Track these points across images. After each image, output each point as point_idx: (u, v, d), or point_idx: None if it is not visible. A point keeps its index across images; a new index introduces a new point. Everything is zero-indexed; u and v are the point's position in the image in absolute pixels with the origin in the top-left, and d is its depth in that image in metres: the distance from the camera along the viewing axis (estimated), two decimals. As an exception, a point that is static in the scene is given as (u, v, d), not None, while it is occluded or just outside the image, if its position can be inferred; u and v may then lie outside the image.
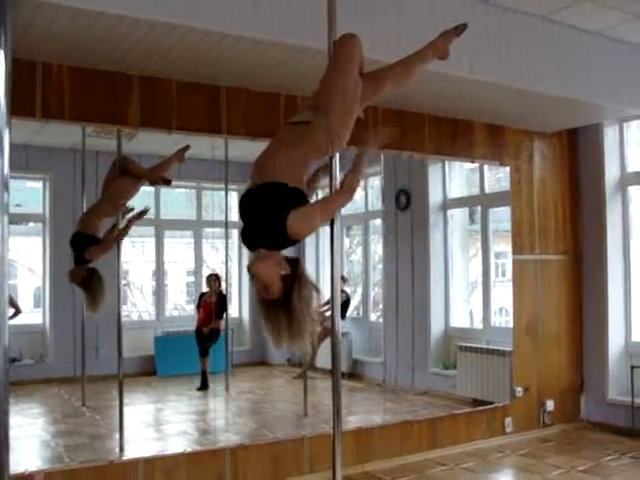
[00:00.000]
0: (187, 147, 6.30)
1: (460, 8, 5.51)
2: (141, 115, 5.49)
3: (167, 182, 6.46)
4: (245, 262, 7.94)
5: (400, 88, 3.60)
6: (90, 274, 5.90)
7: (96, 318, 6.03)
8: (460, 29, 3.74)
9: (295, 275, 2.99)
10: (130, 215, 6.21)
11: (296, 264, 3.02)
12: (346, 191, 3.15)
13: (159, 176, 6.37)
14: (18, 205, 6.66)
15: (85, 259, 5.85)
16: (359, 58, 3.33)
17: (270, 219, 2.93)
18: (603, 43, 6.49)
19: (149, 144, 6.36)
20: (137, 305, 7.54)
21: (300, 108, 3.51)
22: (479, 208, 8.28)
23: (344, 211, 3.65)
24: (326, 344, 6.89)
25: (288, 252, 3.08)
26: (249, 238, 3.06)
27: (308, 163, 3.14)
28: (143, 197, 7.23)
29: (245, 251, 7.96)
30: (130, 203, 6.25)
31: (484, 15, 5.68)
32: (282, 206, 2.92)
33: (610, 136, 7.90)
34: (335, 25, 3.48)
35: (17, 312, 6.24)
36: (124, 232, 6.05)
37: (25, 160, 5.95)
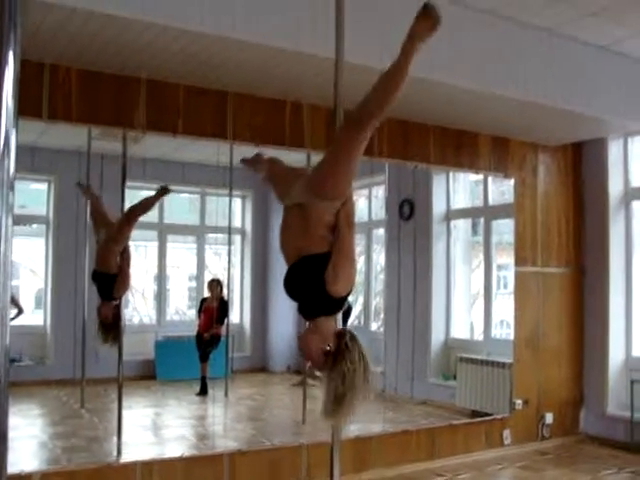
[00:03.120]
0: (168, 190, 6.52)
1: (467, 20, 5.53)
2: (147, 118, 5.50)
3: (166, 190, 6.54)
4: (248, 268, 8.01)
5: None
6: (117, 309, 5.99)
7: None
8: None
9: (338, 350, 2.97)
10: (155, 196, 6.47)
11: (342, 338, 2.99)
12: (349, 224, 3.12)
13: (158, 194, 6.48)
14: (22, 206, 6.69)
15: (114, 297, 5.96)
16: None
17: (311, 291, 3.00)
18: (609, 57, 6.50)
19: (154, 148, 6.39)
20: (138, 309, 7.55)
21: (290, 178, 3.47)
22: (482, 220, 8.29)
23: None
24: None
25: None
26: (305, 311, 3.10)
27: (323, 227, 3.09)
28: (147, 201, 7.25)
29: (248, 257, 7.99)
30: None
31: (490, 27, 5.70)
32: (315, 275, 2.97)
33: (614, 150, 7.90)
34: (343, 33, 3.49)
35: (20, 312, 6.27)
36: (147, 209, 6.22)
37: (30, 161, 5.97)
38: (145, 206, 6.42)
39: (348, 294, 3.10)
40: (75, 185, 6.42)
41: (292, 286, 3.13)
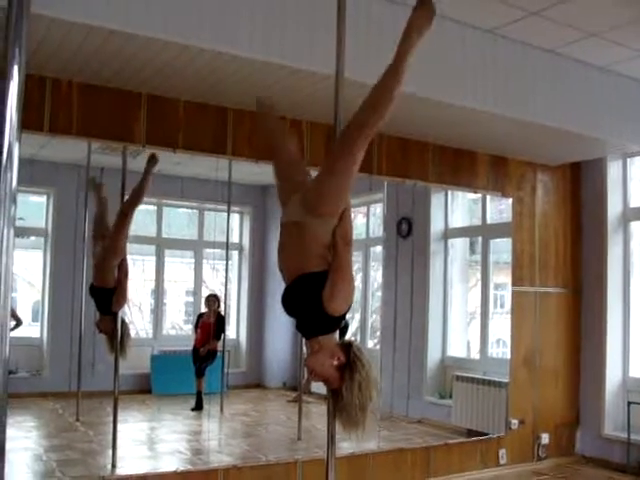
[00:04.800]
0: (155, 159, 6.12)
1: (469, 39, 5.57)
2: (147, 133, 5.52)
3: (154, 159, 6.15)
4: (245, 284, 8.00)
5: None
6: (116, 322, 5.96)
7: (97, 336, 6.05)
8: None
9: (349, 361, 2.99)
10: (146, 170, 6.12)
11: (349, 349, 3.02)
12: (346, 242, 3.11)
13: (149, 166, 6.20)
14: (21, 219, 6.65)
15: (113, 311, 5.94)
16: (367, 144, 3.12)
17: (309, 310, 3.01)
18: (609, 78, 6.53)
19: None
20: (135, 323, 7.53)
21: (295, 177, 3.47)
22: (480, 239, 8.30)
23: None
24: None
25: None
26: (303, 330, 3.11)
27: (320, 245, 3.09)
28: (145, 216, 7.27)
29: (245, 273, 7.98)
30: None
31: (492, 46, 5.73)
32: (313, 294, 2.98)
33: (613, 171, 7.92)
34: (343, 49, 3.51)
35: (18, 324, 6.27)
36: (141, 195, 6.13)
37: (30, 174, 5.97)
38: (137, 193, 6.20)
39: (346, 312, 3.10)
40: (89, 181, 6.37)
41: (290, 305, 3.14)
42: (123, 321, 6.01)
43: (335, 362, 2.99)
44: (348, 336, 8.42)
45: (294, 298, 3.10)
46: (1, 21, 2.01)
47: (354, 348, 3.02)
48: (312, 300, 2.98)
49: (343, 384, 2.98)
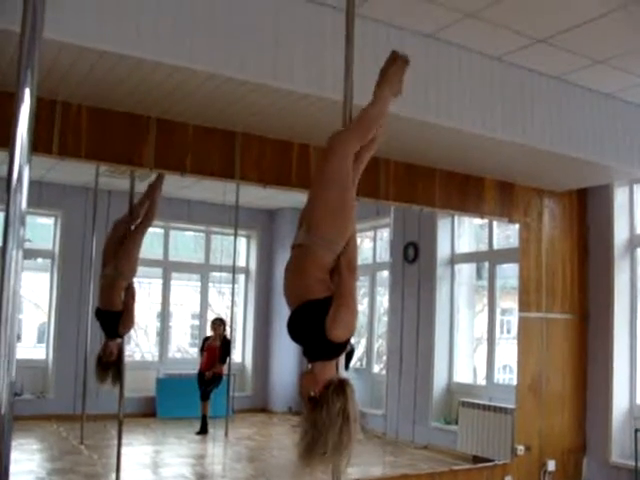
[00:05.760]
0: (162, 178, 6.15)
1: (476, 66, 5.60)
2: (156, 157, 5.54)
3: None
4: (251, 308, 8.00)
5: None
6: (121, 346, 5.95)
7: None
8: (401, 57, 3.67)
9: (320, 398, 2.98)
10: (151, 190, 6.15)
11: (327, 388, 2.99)
12: (351, 268, 3.13)
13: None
14: (28, 240, 6.69)
15: (120, 334, 5.92)
16: (351, 154, 3.32)
17: (312, 336, 3.03)
18: (615, 105, 6.56)
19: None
20: (140, 345, 7.52)
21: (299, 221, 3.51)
22: (487, 264, 8.29)
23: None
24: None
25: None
26: (308, 354, 3.12)
27: (323, 270, 3.12)
28: (152, 239, 7.28)
29: (251, 297, 7.98)
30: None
31: (499, 73, 5.76)
32: (316, 321, 3.00)
33: (620, 197, 7.93)
34: (352, 75, 3.54)
35: None
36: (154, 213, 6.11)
37: (37, 196, 6.00)
38: (149, 214, 6.25)
39: (348, 339, 3.10)
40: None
41: (294, 331, 3.15)
42: (122, 346, 5.99)
43: (310, 392, 2.99)
44: (354, 361, 8.42)
45: (298, 324, 3.12)
46: (14, 45, 2.03)
47: (330, 391, 2.97)
48: (315, 327, 2.99)
49: (304, 414, 3.00)
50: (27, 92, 1.90)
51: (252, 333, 8.03)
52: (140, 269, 6.38)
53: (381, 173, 6.51)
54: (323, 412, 2.93)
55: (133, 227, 6.10)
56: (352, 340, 8.56)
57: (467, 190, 7.26)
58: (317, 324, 2.98)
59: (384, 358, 8.57)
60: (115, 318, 5.91)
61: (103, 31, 4.09)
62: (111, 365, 5.89)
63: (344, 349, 3.12)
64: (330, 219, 3.14)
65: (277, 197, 6.96)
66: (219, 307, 7.92)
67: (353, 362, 8.51)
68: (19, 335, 6.33)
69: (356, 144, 3.33)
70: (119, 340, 6.00)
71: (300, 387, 3.07)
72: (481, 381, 8.25)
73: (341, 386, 3.01)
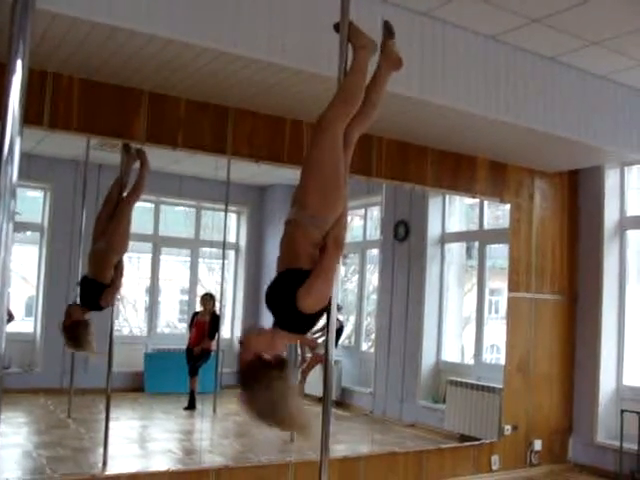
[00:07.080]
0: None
1: (470, 45, 5.57)
2: (147, 130, 5.51)
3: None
4: (241, 284, 7.98)
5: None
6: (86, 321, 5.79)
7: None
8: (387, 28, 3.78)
9: (266, 371, 2.93)
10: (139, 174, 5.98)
11: (276, 364, 2.95)
12: (337, 246, 3.12)
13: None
14: (17, 213, 6.65)
15: (98, 307, 5.82)
16: (340, 134, 3.30)
17: (283, 303, 3.01)
18: (608, 87, 6.55)
19: (152, 160, 6.35)
20: (129, 320, 7.51)
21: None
22: (477, 244, 8.30)
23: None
24: (316, 372, 6.85)
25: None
26: (278, 323, 3.08)
27: (312, 245, 3.12)
28: (142, 213, 7.24)
29: (241, 273, 7.97)
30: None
31: (492, 52, 5.73)
32: (290, 288, 2.97)
33: (611, 179, 7.94)
34: (346, 52, 3.51)
35: (10, 319, 6.22)
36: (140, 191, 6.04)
37: (27, 169, 5.93)
38: (138, 186, 6.05)
39: (317, 316, 3.08)
40: (122, 147, 6.11)
41: (269, 296, 3.13)
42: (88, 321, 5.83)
43: (262, 354, 2.93)
44: (342, 338, 8.43)
45: (274, 289, 3.11)
46: (5, 15, 2.00)
47: (275, 370, 2.92)
48: (289, 294, 2.97)
49: (247, 372, 2.98)
50: (19, 63, 1.87)
51: (241, 309, 8.03)
52: (130, 244, 6.35)
53: (374, 151, 6.50)
54: (264, 387, 2.91)
55: (123, 196, 5.97)
56: (341, 317, 8.60)
57: (459, 169, 7.25)
58: (291, 291, 2.96)
59: (372, 336, 8.59)
60: (99, 289, 5.82)
61: (96, 2, 4.05)
62: (68, 329, 5.70)
63: (311, 325, 3.10)
64: (320, 198, 3.15)
65: (268, 173, 6.93)
66: (209, 283, 7.91)
67: (342, 339, 8.52)
68: (12, 314, 6.30)
69: (345, 117, 3.31)
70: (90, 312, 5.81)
71: (247, 342, 3.00)
72: (469, 360, 8.28)
73: (285, 372, 2.96)
